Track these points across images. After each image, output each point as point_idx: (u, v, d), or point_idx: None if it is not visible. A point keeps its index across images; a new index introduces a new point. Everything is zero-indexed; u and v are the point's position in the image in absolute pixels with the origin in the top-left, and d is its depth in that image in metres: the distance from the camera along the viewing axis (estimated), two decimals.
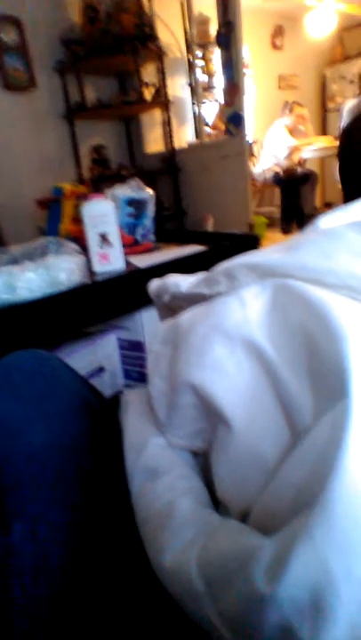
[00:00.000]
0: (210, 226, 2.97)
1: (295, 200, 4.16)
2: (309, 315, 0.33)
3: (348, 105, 2.82)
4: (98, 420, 0.55)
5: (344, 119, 2.80)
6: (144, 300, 1.18)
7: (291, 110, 4.17)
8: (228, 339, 0.37)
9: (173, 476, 0.42)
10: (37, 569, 0.43)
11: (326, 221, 0.44)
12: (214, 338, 0.38)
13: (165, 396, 0.43)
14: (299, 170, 4.15)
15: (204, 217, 3.01)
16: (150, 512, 0.40)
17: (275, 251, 0.41)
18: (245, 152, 2.78)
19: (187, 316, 0.43)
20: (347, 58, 5.26)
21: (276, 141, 4.14)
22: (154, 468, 0.43)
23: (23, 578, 0.42)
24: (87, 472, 0.50)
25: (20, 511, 0.44)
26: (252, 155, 4.33)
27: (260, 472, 0.34)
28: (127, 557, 0.44)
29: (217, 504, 0.41)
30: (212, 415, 0.39)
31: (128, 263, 1.22)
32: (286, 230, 4.20)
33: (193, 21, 3.13)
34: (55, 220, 1.53)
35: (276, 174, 4.14)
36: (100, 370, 1.24)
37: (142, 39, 2.89)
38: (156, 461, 0.43)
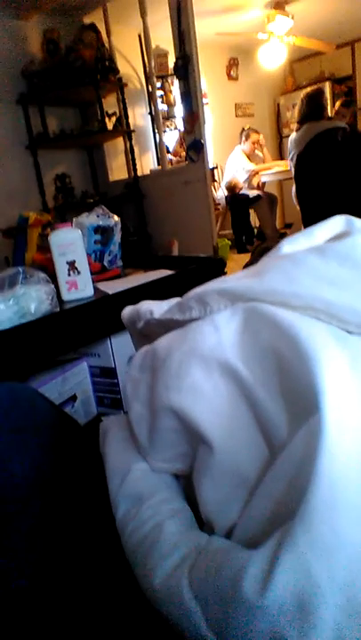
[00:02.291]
0: (176, 250, 3.02)
1: (245, 220, 4.29)
2: (279, 336, 0.35)
3: (293, 136, 2.98)
4: (76, 448, 0.55)
5: (291, 149, 2.94)
6: (114, 326, 1.19)
7: (247, 137, 4.33)
8: (204, 362, 0.38)
9: (158, 500, 0.42)
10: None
11: (289, 246, 0.47)
12: (191, 362, 0.39)
13: (146, 420, 0.43)
14: (249, 192, 4.29)
15: (170, 241, 3.06)
16: (137, 537, 0.40)
17: (243, 276, 0.43)
18: (207, 177, 2.86)
19: (163, 342, 0.44)
20: (298, 87, 5.53)
21: (236, 166, 4.28)
22: (138, 493, 0.43)
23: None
24: (69, 501, 0.49)
25: (4, 545, 0.44)
26: (213, 180, 4.45)
27: (241, 490, 0.35)
28: (113, 584, 0.44)
29: (202, 524, 0.41)
30: (192, 437, 0.39)
31: (97, 290, 1.23)
32: (240, 249, 4.32)
33: (151, 54, 3.24)
34: (21, 249, 1.53)
35: (227, 197, 4.28)
36: (73, 398, 1.23)
37: (103, 72, 2.96)
38: (139, 487, 0.44)
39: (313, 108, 2.90)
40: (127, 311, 0.55)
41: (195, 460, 0.40)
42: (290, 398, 0.33)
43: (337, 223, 0.46)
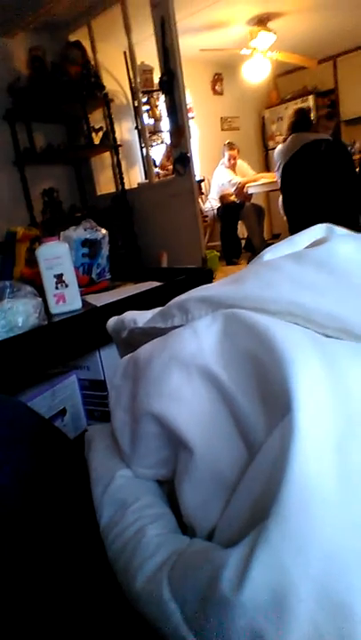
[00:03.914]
0: (165, 262, 3.03)
1: (233, 231, 4.33)
2: (256, 341, 0.36)
3: (279, 148, 3.07)
4: (62, 460, 0.55)
5: (278, 161, 3.02)
6: (103, 339, 1.19)
7: (224, 153, 4.41)
8: (184, 368, 0.39)
9: (140, 506, 0.42)
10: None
11: (270, 254, 0.48)
12: (171, 368, 0.40)
13: (128, 427, 0.44)
14: (236, 201, 4.34)
15: (160, 254, 3.07)
16: (120, 543, 0.40)
17: (223, 283, 0.44)
18: (194, 190, 2.89)
19: (144, 350, 0.45)
20: (282, 101, 5.64)
21: (222, 180, 4.34)
22: (121, 500, 0.43)
23: None
24: (54, 512, 0.49)
25: None
26: (200, 192, 4.50)
27: (222, 492, 0.36)
28: (98, 591, 0.44)
29: (185, 529, 0.41)
30: (174, 442, 0.40)
31: (85, 303, 1.23)
32: (229, 261, 4.35)
33: (137, 70, 3.29)
34: (9, 264, 1.53)
35: (218, 208, 4.32)
36: (63, 412, 1.22)
37: (88, 88, 3.00)
38: (123, 493, 0.44)
39: (300, 120, 2.99)
40: (112, 321, 0.56)
41: (176, 465, 0.41)
42: (267, 401, 0.34)
43: (318, 231, 0.47)
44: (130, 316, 0.53)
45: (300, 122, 2.98)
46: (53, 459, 0.53)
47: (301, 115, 3.03)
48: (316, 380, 0.31)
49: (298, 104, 5.34)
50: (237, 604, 0.28)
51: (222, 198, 4.31)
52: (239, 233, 4.48)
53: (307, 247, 0.46)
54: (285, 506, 0.28)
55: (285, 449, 0.29)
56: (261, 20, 4.02)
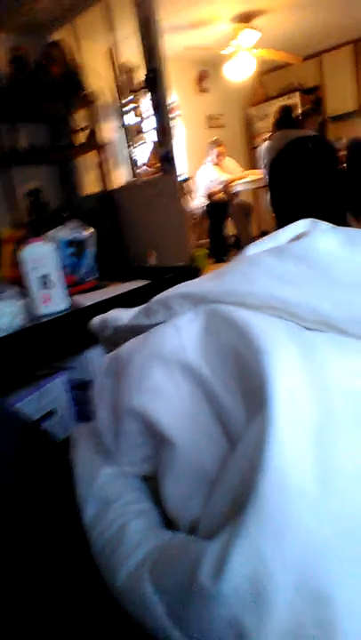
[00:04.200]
0: (153, 261, 3.03)
1: (220, 229, 4.32)
2: (235, 335, 0.36)
3: (265, 145, 3.07)
4: (48, 462, 0.54)
5: (264, 158, 3.03)
6: (90, 339, 1.18)
7: (211, 150, 4.40)
8: (165, 363, 0.39)
9: (123, 502, 0.43)
10: None
11: (254, 249, 0.48)
12: (153, 364, 0.40)
13: (111, 424, 0.44)
14: (224, 199, 4.33)
15: (148, 253, 3.07)
16: (103, 539, 0.40)
17: (205, 279, 0.44)
18: (179, 189, 2.89)
19: (126, 347, 0.45)
20: (268, 98, 5.66)
21: (210, 178, 4.33)
22: (105, 497, 0.44)
23: None
24: (38, 513, 0.49)
25: None
26: (187, 190, 4.49)
27: (203, 485, 0.36)
28: (84, 591, 0.43)
29: (170, 524, 0.42)
30: (156, 437, 0.40)
31: (72, 303, 1.22)
32: (218, 259, 4.35)
33: (121, 69, 3.27)
34: None
35: (207, 206, 4.32)
36: (51, 413, 1.21)
37: (72, 87, 2.98)
38: (106, 491, 0.44)
39: (285, 117, 3.00)
40: (96, 320, 0.56)
41: (159, 460, 0.41)
42: (247, 394, 0.34)
43: (301, 225, 0.47)
44: (113, 314, 0.53)
45: (285, 119, 3.00)
46: (36, 460, 0.53)
47: (286, 112, 3.05)
48: (294, 371, 0.32)
49: (283, 101, 5.35)
50: (217, 595, 0.28)
51: (210, 196, 4.31)
52: (227, 231, 4.48)
53: (289, 242, 0.46)
54: (262, 496, 0.28)
55: (262, 440, 0.29)
56: (245, 18, 4.02)
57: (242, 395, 0.35)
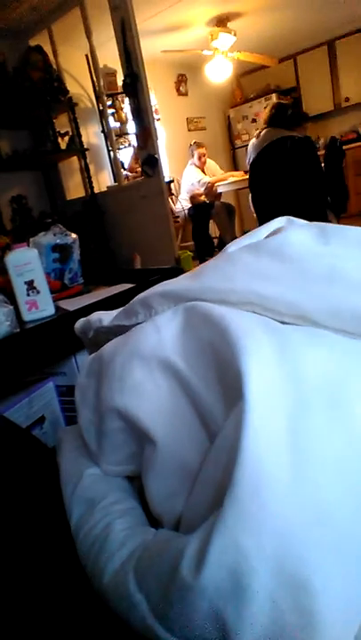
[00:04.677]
0: (138, 264, 3.03)
1: (205, 232, 4.34)
2: (213, 330, 0.37)
3: (252, 142, 3.06)
4: (38, 468, 0.54)
5: (250, 155, 3.02)
6: (78, 344, 1.18)
7: (193, 152, 4.41)
8: (145, 362, 0.40)
9: (108, 502, 0.43)
10: None
11: (234, 247, 0.49)
12: (133, 362, 0.40)
13: (94, 425, 0.44)
14: (206, 201, 4.35)
15: (133, 256, 3.07)
16: (89, 540, 0.40)
17: (185, 278, 0.45)
18: (164, 191, 2.90)
19: (108, 347, 0.45)
20: (246, 100, 5.71)
21: (192, 180, 4.35)
22: (90, 498, 0.44)
23: None
24: (27, 518, 0.49)
25: None
26: (170, 193, 4.51)
27: (186, 482, 0.36)
28: (72, 593, 0.44)
29: (156, 523, 0.42)
30: (139, 436, 0.40)
31: (58, 308, 1.22)
32: (203, 261, 4.36)
33: (100, 73, 3.27)
34: None
35: (189, 209, 4.34)
36: (41, 420, 1.20)
37: (52, 92, 2.97)
38: (91, 491, 0.44)
39: (276, 115, 2.95)
40: (79, 323, 0.57)
41: (142, 458, 0.41)
42: (225, 387, 0.35)
43: (278, 222, 0.48)
44: (96, 316, 0.54)
45: (276, 117, 2.93)
46: (24, 464, 0.53)
47: (279, 109, 2.96)
48: (268, 364, 0.32)
49: (262, 102, 5.41)
50: (197, 588, 0.28)
51: (192, 198, 4.33)
52: (211, 232, 4.50)
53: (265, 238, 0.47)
54: (239, 488, 0.28)
55: (238, 432, 0.30)
56: (221, 21, 4.06)
57: (220, 389, 0.35)
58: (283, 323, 0.38)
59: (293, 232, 0.42)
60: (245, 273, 0.41)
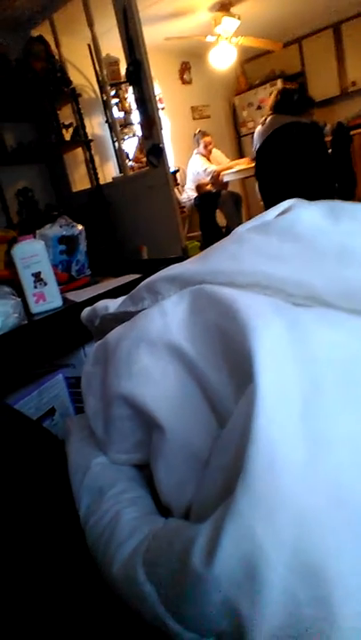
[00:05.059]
0: (145, 255, 3.02)
1: (212, 221, 4.31)
2: (221, 313, 0.36)
3: (257, 130, 3.02)
4: (48, 459, 0.54)
5: (256, 143, 2.98)
6: (86, 336, 1.18)
7: (198, 141, 4.37)
8: (151, 347, 0.39)
9: (117, 491, 0.42)
10: None
11: (242, 229, 0.47)
12: (139, 348, 0.39)
13: (101, 413, 0.43)
14: (213, 190, 4.31)
15: (139, 247, 3.06)
16: (98, 529, 0.40)
17: (191, 261, 0.44)
18: (169, 181, 2.87)
19: (114, 334, 0.45)
20: (251, 86, 5.63)
21: (198, 170, 4.31)
22: (99, 487, 0.43)
23: None
24: (37, 509, 0.49)
25: None
26: (176, 183, 4.47)
27: (196, 468, 0.36)
28: (84, 584, 0.44)
29: (166, 512, 0.41)
30: (146, 423, 0.40)
31: (66, 300, 1.22)
32: None
33: (102, 62, 3.24)
34: None
35: (195, 198, 4.30)
36: (52, 412, 1.21)
37: (55, 83, 2.95)
38: (100, 480, 0.44)
39: (282, 101, 2.91)
40: (85, 312, 0.56)
41: (150, 446, 0.40)
42: (234, 371, 0.34)
43: (286, 204, 0.47)
44: (102, 304, 0.53)
45: (282, 103, 2.90)
46: (35, 456, 0.53)
47: (285, 95, 2.92)
48: (279, 345, 0.31)
49: (267, 89, 5.32)
50: (210, 579, 0.27)
51: (198, 188, 4.29)
52: (218, 221, 4.47)
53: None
54: (252, 474, 0.27)
55: (249, 416, 0.29)
56: (224, 6, 3.99)
57: (229, 372, 0.34)
58: (294, 305, 0.37)
59: (303, 210, 0.41)
60: (253, 253, 0.39)
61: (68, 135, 3.20)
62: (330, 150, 2.81)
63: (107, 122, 3.64)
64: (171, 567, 0.31)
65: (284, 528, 0.27)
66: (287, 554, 0.26)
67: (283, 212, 0.46)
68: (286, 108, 2.88)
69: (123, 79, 3.52)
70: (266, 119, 2.95)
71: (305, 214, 0.41)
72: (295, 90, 3.10)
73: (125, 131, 4.07)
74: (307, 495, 0.27)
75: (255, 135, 3.05)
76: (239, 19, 4.03)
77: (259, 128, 3.01)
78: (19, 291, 1.14)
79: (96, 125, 3.84)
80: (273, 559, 0.26)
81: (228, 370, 0.34)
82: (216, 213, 4.39)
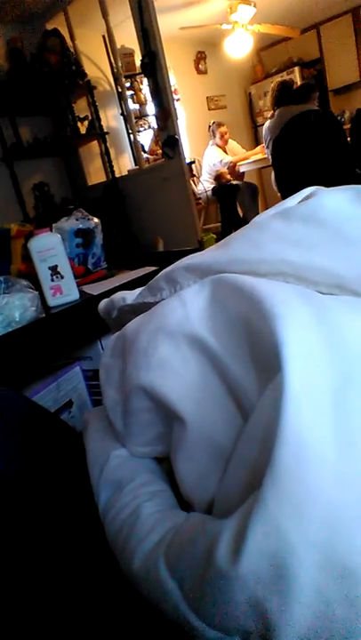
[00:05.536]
0: (161, 247, 3.01)
1: (233, 211, 4.27)
2: (244, 302, 0.34)
3: (267, 124, 3.01)
4: (65, 451, 0.54)
5: (266, 137, 2.96)
6: (103, 328, 1.18)
7: (214, 132, 4.32)
8: (171, 337, 0.38)
9: (137, 485, 0.42)
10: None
11: (260, 218, 0.46)
12: (158, 338, 0.39)
13: (120, 405, 0.43)
14: (232, 181, 4.27)
15: (155, 239, 3.05)
16: (117, 523, 0.39)
17: (211, 250, 0.43)
18: (185, 172, 2.85)
19: (132, 325, 0.44)
20: (268, 75, 5.54)
21: (213, 161, 4.27)
22: (118, 480, 0.43)
23: None
24: (54, 500, 0.49)
25: None
26: (192, 174, 4.44)
27: (218, 461, 0.35)
28: (101, 576, 0.43)
29: (186, 506, 0.40)
30: (166, 415, 0.39)
31: (82, 293, 1.22)
32: None
33: (117, 54, 3.22)
34: (6, 262, 1.51)
35: (214, 188, 4.26)
36: (69, 404, 1.22)
37: (70, 76, 2.95)
38: (119, 473, 0.43)
39: (284, 93, 2.92)
40: (102, 303, 0.55)
41: (171, 438, 0.40)
42: (258, 361, 0.33)
43: (307, 191, 0.45)
44: (119, 295, 0.52)
45: (284, 95, 2.91)
46: (53, 449, 0.53)
47: (284, 88, 2.95)
48: (307, 334, 0.30)
49: (283, 77, 5.24)
50: (236, 577, 0.26)
51: (218, 177, 4.24)
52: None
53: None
54: (280, 468, 0.26)
55: (277, 407, 0.27)
56: None
57: (253, 363, 0.33)
58: (318, 292, 0.36)
59: (327, 196, 0.40)
60: (276, 241, 0.38)
61: (83, 128, 3.20)
62: (349, 139, 2.75)
63: (122, 114, 3.63)
64: (194, 564, 0.30)
65: (314, 525, 0.26)
66: (317, 551, 0.25)
67: (305, 199, 0.44)
68: (289, 99, 2.88)
69: (138, 71, 3.50)
70: (273, 114, 2.95)
71: (329, 200, 0.39)
72: (291, 81, 3.13)
73: (140, 123, 4.05)
74: (337, 492, 0.26)
75: (265, 129, 3.04)
76: (255, 6, 3.96)
77: (267, 123, 3.00)
78: (36, 284, 1.15)
79: (111, 118, 3.83)
80: (303, 557, 0.25)
81: (251, 360, 0.33)
82: (237, 204, 4.34)
